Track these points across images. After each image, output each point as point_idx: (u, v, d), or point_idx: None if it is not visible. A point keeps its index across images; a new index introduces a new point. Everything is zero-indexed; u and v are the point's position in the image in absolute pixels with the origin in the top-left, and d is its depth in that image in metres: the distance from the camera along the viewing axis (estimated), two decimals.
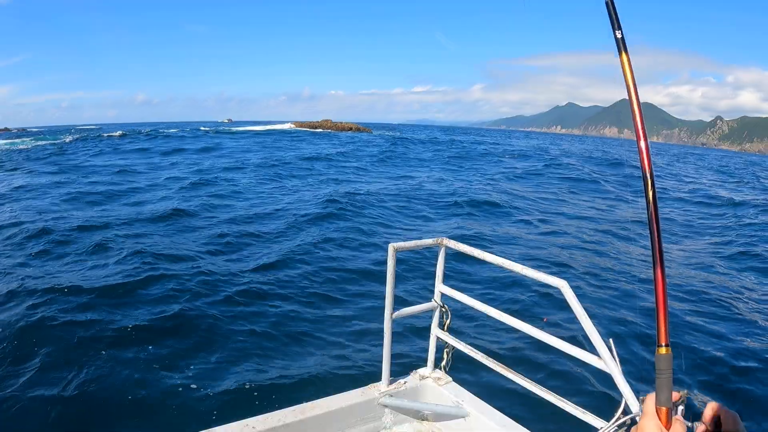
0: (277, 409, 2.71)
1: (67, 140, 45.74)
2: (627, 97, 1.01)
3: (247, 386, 4.79)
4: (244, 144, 40.86)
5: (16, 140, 52.45)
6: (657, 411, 0.89)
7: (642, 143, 0.95)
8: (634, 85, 0.97)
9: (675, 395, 0.93)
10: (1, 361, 5.19)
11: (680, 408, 0.98)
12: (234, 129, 74.12)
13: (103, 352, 5.36)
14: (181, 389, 4.78)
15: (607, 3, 1.03)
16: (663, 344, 0.91)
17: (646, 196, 0.93)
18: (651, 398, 0.92)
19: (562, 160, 31.90)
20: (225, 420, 2.58)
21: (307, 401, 2.77)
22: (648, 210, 0.92)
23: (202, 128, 71.59)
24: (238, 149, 35.47)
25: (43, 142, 44.62)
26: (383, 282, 2.70)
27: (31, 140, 51.04)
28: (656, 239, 0.91)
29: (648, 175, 0.94)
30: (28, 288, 7.12)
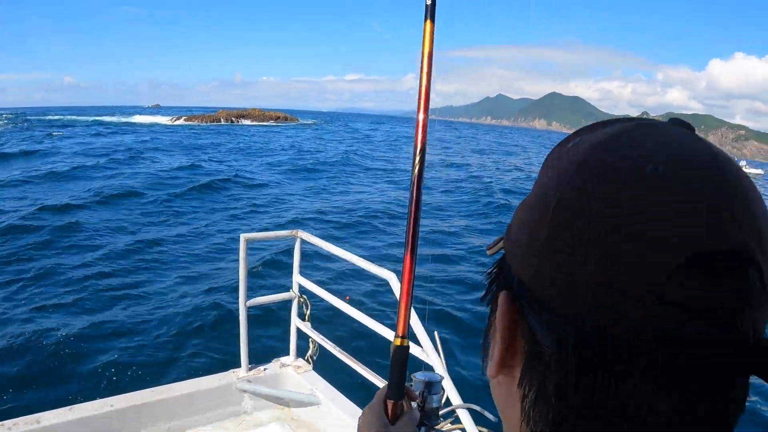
0: (136, 390, 2.79)
1: None
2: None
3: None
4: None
5: None
6: (385, 402, 0.84)
7: (421, 115, 0.88)
8: (430, 54, 0.88)
9: (413, 394, 0.89)
10: None
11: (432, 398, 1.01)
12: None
13: None
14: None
15: None
16: (401, 335, 0.84)
17: (413, 171, 0.86)
18: (384, 388, 0.87)
19: None
20: (86, 399, 2.64)
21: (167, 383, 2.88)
22: (411, 186, 0.85)
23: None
24: None
25: None
26: None
27: None
28: (413, 221, 0.83)
29: (419, 149, 0.88)
30: None
